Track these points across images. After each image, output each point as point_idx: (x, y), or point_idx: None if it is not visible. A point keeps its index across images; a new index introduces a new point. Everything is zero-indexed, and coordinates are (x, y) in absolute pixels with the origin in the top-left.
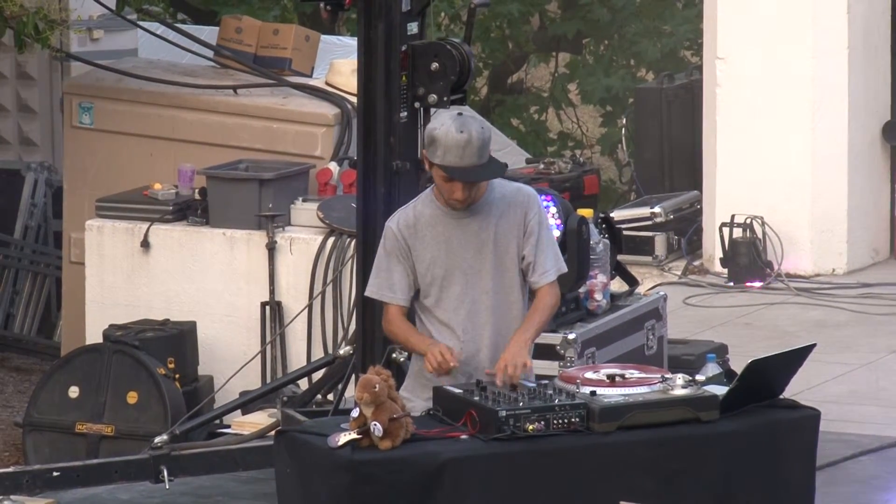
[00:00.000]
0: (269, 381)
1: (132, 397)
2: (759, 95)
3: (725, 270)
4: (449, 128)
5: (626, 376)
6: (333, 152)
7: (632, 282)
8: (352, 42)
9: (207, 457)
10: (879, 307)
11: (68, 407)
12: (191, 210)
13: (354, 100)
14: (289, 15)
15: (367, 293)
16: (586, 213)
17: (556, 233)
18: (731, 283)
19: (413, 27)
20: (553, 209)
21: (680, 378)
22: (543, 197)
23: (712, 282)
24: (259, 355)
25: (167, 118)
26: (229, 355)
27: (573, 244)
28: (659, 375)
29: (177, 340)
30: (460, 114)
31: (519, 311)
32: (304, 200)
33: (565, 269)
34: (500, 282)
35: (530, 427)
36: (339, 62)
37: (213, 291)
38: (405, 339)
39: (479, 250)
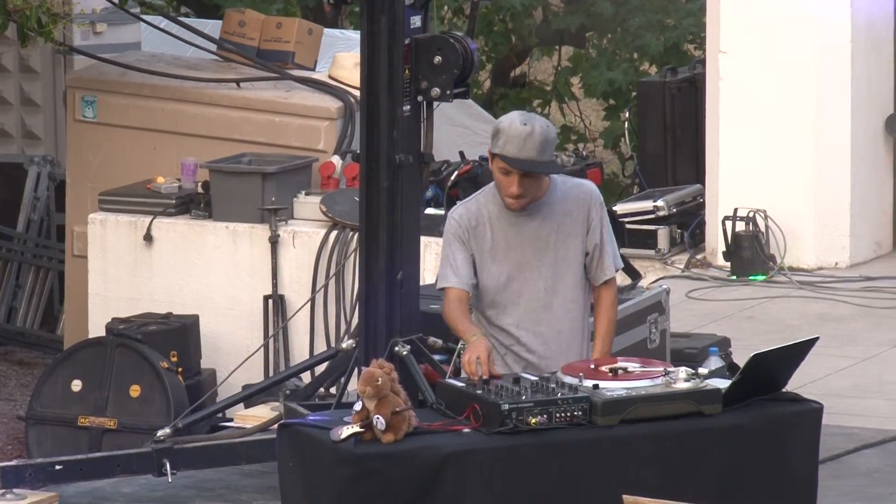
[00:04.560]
0: (271, 374)
1: (135, 391)
2: (762, 89)
3: (728, 264)
4: (514, 120)
5: (629, 370)
6: (336, 146)
7: (635, 275)
8: (354, 35)
9: (210, 450)
10: (882, 300)
11: (71, 400)
12: (194, 203)
13: (357, 93)
14: (292, 8)
15: (437, 286)
16: None
17: None
18: (734, 277)
19: (416, 20)
20: None
21: (683, 372)
22: None
23: (715, 275)
24: (262, 349)
25: (170, 112)
26: (232, 349)
27: None
28: (662, 369)
29: (180, 334)
30: (529, 110)
31: (579, 311)
32: (306, 194)
33: (622, 265)
34: (560, 280)
35: (533, 420)
36: (341, 55)
37: (215, 285)
38: (454, 324)
39: (541, 249)
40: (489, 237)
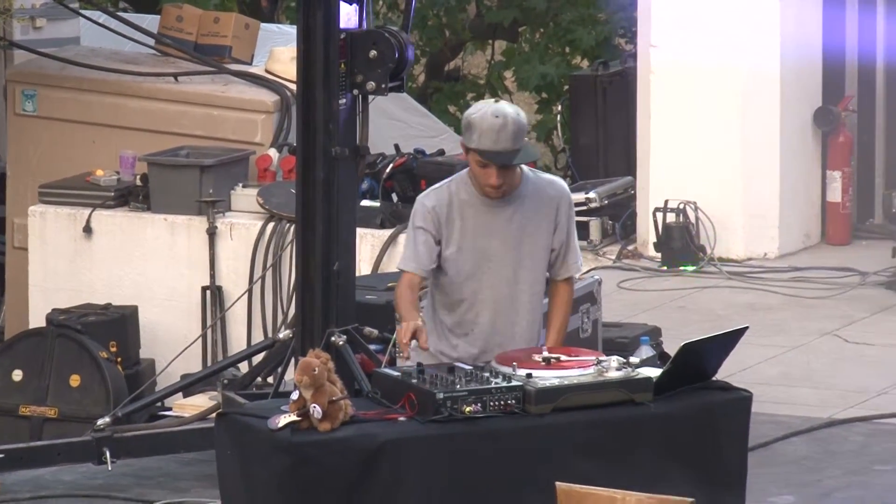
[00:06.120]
0: (209, 364)
1: (75, 380)
2: (692, 82)
3: (659, 255)
4: (485, 113)
5: (562, 359)
6: (273, 139)
7: None
8: (291, 30)
9: (149, 439)
10: (810, 290)
11: (12, 390)
12: (132, 196)
13: (294, 87)
14: (229, 3)
15: (398, 266)
16: None
17: None
18: (665, 268)
19: (352, 15)
20: None
21: (614, 360)
22: None
23: (646, 266)
24: (200, 339)
25: (109, 105)
26: (170, 339)
27: None
28: (594, 358)
29: (119, 324)
30: (497, 100)
31: (538, 306)
32: (244, 186)
33: (582, 268)
34: (523, 274)
35: (467, 409)
36: (278, 50)
37: (154, 276)
38: (399, 307)
39: (506, 241)
40: (459, 226)
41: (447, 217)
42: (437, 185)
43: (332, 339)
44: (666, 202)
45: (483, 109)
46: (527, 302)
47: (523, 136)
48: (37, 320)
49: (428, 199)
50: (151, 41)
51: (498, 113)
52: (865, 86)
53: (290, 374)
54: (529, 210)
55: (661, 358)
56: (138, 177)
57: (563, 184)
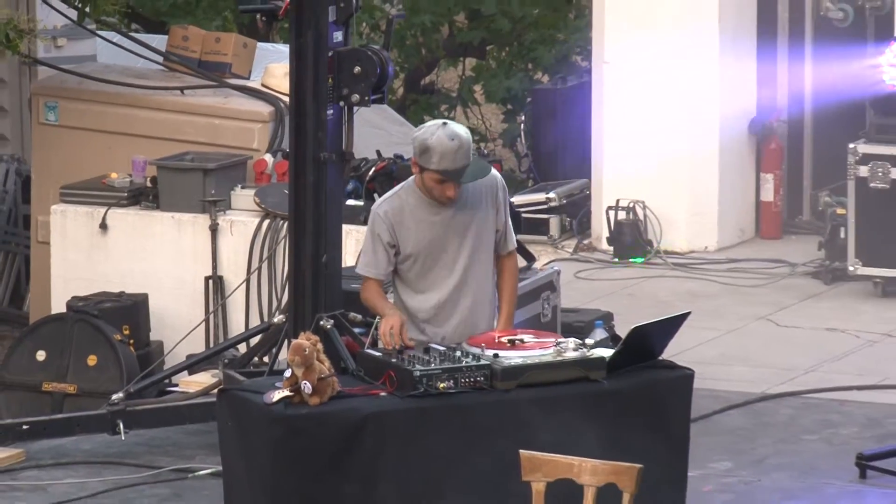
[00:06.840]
0: (212, 345)
1: (92, 360)
2: (641, 96)
3: (611, 248)
4: (440, 136)
5: (525, 341)
6: (268, 145)
7: (529, 258)
8: (284, 48)
9: (158, 412)
10: (746, 279)
11: (36, 368)
12: (143, 196)
13: (287, 99)
14: (229, 25)
15: (356, 270)
16: None
17: None
18: (617, 260)
19: (338, 35)
20: None
21: (571, 342)
22: None
23: (600, 258)
24: (203, 323)
25: (122, 115)
26: (177, 323)
27: None
28: (553, 340)
29: (131, 310)
30: (445, 123)
31: (490, 286)
32: (242, 187)
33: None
34: (478, 259)
35: (441, 385)
36: (273, 66)
37: (162, 267)
38: (372, 304)
39: (459, 235)
40: (413, 228)
41: (401, 222)
42: (389, 194)
43: (321, 323)
44: (617, 201)
45: (438, 133)
46: (480, 286)
47: (471, 151)
48: (58, 307)
49: (381, 208)
50: (160, 58)
51: (453, 136)
52: (795, 103)
53: (284, 355)
54: (473, 202)
55: (613, 340)
56: (148, 179)
57: (495, 170)
